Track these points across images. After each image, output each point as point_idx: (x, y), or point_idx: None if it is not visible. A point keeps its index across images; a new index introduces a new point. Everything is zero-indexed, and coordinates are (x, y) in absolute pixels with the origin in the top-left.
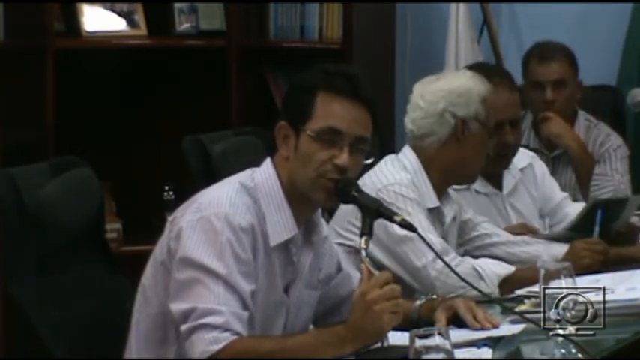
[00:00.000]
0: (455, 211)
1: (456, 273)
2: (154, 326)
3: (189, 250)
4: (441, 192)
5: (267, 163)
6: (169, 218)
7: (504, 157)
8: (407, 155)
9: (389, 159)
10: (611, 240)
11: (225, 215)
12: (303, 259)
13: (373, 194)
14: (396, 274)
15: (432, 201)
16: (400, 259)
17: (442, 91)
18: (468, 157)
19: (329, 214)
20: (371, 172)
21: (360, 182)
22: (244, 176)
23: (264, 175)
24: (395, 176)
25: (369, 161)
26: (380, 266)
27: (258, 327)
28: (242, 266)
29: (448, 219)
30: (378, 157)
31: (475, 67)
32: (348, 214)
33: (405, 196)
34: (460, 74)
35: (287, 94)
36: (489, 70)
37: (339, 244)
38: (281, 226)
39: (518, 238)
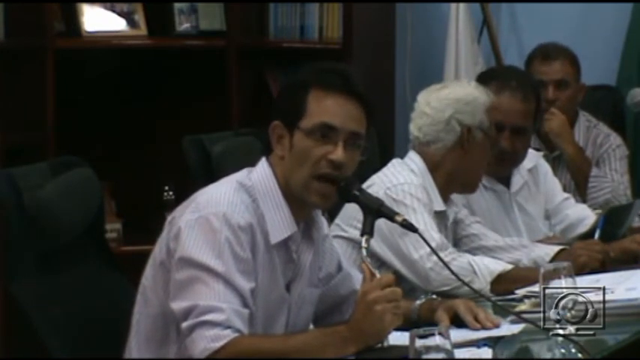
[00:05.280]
0: (455, 213)
1: (449, 268)
2: (154, 326)
3: (188, 249)
4: (445, 196)
5: (263, 162)
6: (168, 218)
7: (501, 161)
8: (413, 159)
9: (396, 162)
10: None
11: (224, 214)
12: (303, 256)
13: (382, 192)
14: (393, 267)
15: (439, 204)
16: (399, 251)
17: (449, 100)
18: (471, 164)
19: (328, 213)
20: (379, 173)
21: (369, 182)
22: (241, 175)
23: (260, 173)
24: (406, 177)
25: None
26: (379, 259)
27: (260, 325)
28: (241, 265)
29: (450, 222)
30: (377, 155)
31: (502, 70)
32: (354, 210)
33: (413, 195)
34: (465, 84)
35: (280, 94)
36: (511, 73)
37: (341, 237)
38: (280, 224)
39: (507, 242)
